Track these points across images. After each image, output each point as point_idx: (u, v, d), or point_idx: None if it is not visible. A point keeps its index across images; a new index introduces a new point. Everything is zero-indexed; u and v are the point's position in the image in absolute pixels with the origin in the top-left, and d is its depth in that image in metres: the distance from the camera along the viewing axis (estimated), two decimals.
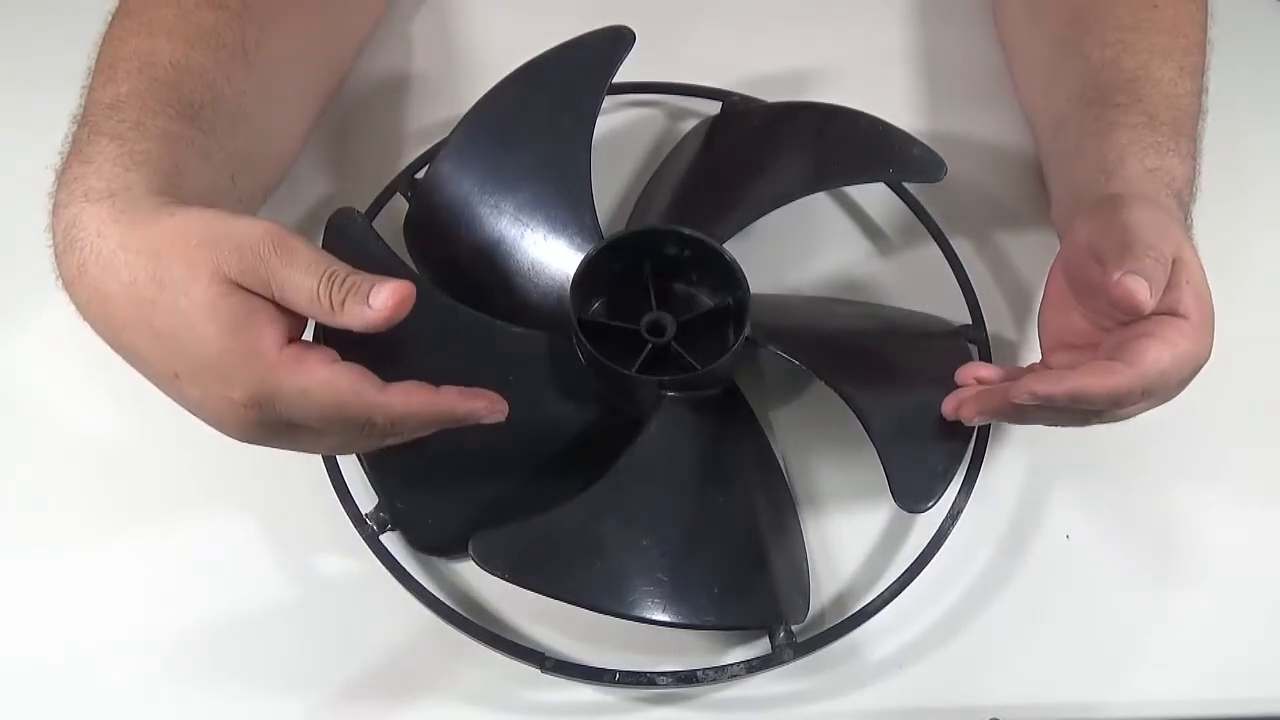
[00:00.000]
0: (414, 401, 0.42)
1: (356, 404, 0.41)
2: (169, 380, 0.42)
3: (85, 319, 0.43)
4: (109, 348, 0.43)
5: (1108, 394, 0.44)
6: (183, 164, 0.45)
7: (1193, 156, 0.52)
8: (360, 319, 0.40)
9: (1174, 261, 0.46)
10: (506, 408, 0.44)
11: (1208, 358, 0.46)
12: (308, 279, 0.40)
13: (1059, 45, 0.60)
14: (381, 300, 0.40)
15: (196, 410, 0.42)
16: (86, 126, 0.46)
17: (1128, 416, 0.47)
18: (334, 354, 0.42)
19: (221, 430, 0.42)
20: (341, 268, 0.41)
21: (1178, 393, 0.47)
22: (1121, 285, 0.44)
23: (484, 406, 0.43)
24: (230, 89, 0.49)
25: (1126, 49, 0.55)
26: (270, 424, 0.41)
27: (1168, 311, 0.45)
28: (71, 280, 0.42)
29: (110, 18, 0.51)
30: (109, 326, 0.42)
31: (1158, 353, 0.44)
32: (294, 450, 0.44)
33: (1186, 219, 0.50)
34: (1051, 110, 0.59)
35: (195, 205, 0.43)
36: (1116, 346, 0.45)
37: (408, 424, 0.42)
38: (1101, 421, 0.47)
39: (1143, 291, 0.43)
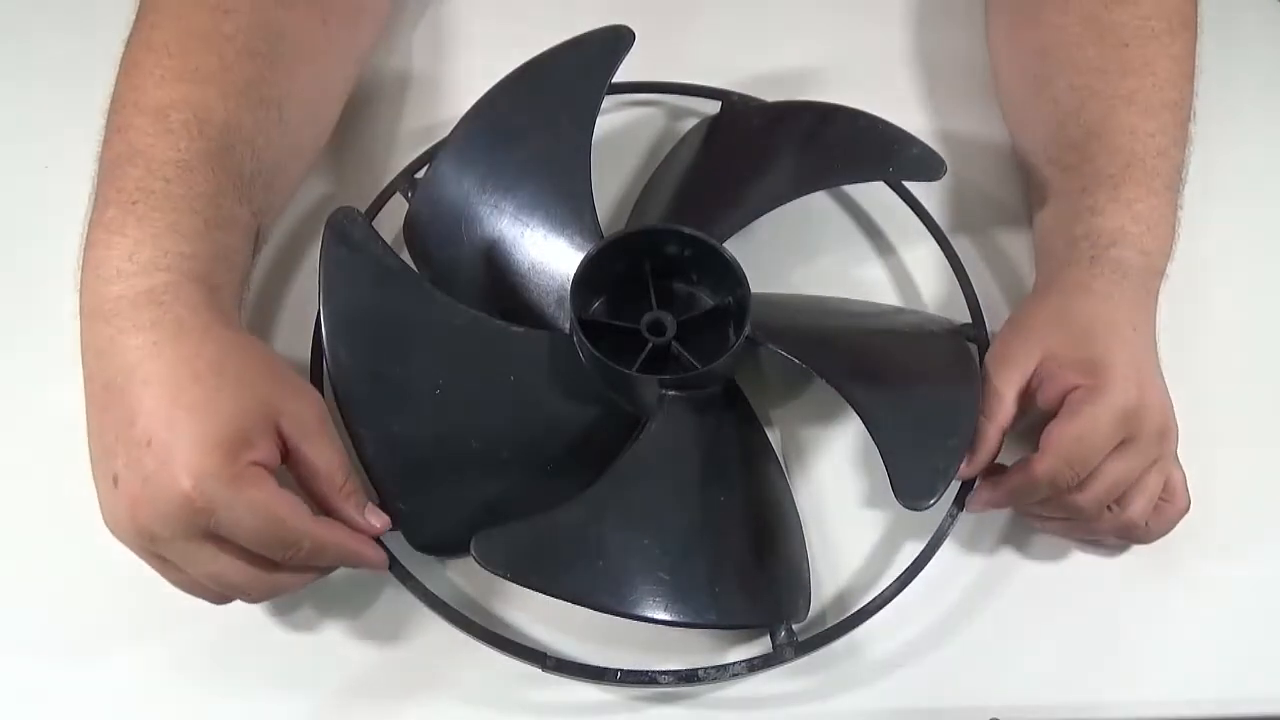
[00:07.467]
0: (336, 534, 0.46)
1: (294, 524, 0.44)
2: (135, 442, 0.42)
3: (105, 351, 0.45)
4: (96, 374, 0.45)
5: (1033, 483, 0.49)
6: (242, 255, 0.50)
7: (1146, 196, 0.54)
8: (351, 517, 0.47)
9: (1041, 360, 0.51)
10: (385, 562, 0.49)
11: (1125, 397, 0.48)
12: (338, 456, 0.47)
13: (1031, 80, 0.61)
14: (380, 520, 0.47)
15: (133, 479, 0.42)
16: (158, 176, 0.47)
17: (1136, 503, 0.50)
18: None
19: (132, 516, 0.43)
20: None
21: (1149, 438, 0.49)
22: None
23: (371, 557, 0.48)
24: (268, 152, 0.51)
25: (1091, 96, 0.56)
26: (194, 528, 0.42)
27: (1058, 397, 0.50)
28: (139, 325, 0.44)
29: (134, 31, 0.50)
30: (132, 371, 0.44)
31: (1060, 430, 0.48)
32: (177, 579, 0.45)
33: (1115, 260, 0.53)
34: (1023, 152, 0.62)
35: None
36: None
37: (324, 554, 0.46)
38: (1132, 526, 0.51)
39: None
